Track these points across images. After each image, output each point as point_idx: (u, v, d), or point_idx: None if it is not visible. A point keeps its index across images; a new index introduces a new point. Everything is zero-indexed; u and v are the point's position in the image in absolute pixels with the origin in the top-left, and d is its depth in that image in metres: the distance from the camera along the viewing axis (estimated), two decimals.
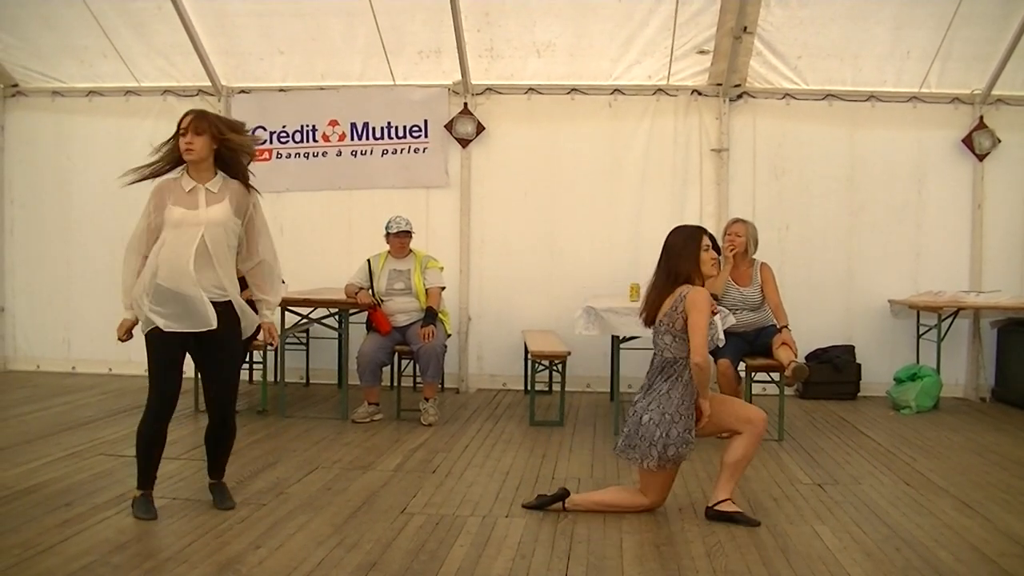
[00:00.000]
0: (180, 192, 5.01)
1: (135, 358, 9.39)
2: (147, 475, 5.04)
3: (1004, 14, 8.95)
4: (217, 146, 4.91)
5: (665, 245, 5.39)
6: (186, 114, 4.93)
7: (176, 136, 5.00)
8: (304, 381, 9.80)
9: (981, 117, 9.59)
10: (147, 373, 5.11)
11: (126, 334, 5.18)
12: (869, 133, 9.67)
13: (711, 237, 7.92)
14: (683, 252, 5.29)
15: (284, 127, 9.88)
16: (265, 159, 9.78)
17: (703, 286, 5.31)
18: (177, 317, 4.84)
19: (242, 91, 9.95)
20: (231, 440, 5.31)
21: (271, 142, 9.86)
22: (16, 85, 10.22)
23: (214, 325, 4.93)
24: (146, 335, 4.98)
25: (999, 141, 9.58)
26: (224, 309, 5.02)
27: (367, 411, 7.87)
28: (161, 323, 4.89)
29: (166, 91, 9.95)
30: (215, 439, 5.24)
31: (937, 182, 9.67)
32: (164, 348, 4.97)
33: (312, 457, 6.58)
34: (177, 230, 4.93)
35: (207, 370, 5.24)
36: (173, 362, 5.03)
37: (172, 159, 5.07)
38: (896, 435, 7.69)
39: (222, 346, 5.10)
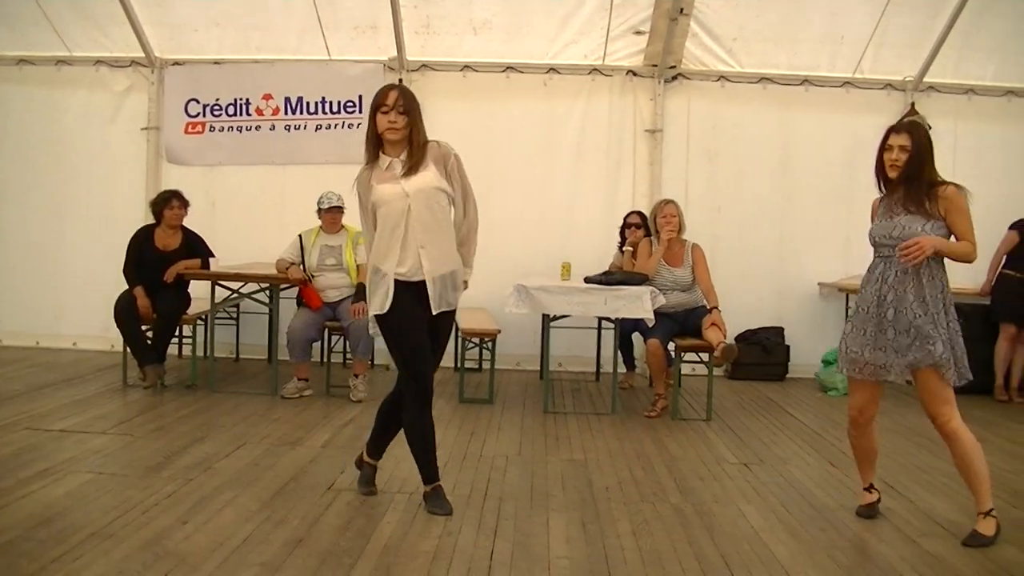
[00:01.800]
0: None
1: (65, 331, 10.43)
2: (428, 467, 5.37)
3: (937, 2, 9.98)
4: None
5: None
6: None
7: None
8: (234, 356, 10.44)
9: (913, 104, 10.65)
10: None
11: None
12: (802, 117, 10.69)
13: (642, 217, 8.97)
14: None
15: (218, 100, 10.69)
16: (198, 132, 10.70)
17: None
18: None
19: (176, 63, 10.69)
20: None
21: (204, 115, 10.70)
22: None
23: None
24: None
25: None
26: None
27: (297, 387, 8.49)
28: None
29: (98, 61, 10.66)
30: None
31: (868, 167, 10.24)
32: None
33: (241, 432, 7.03)
34: None
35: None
36: None
37: None
38: (823, 416, 8.45)
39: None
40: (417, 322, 5.18)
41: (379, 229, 5.22)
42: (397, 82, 10.02)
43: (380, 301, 5.20)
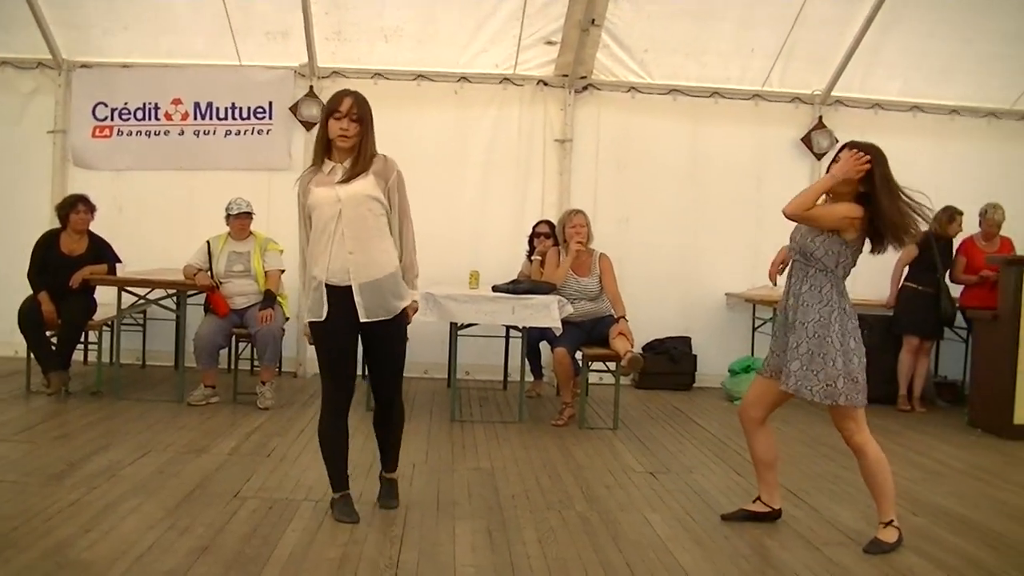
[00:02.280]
0: None
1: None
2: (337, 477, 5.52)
3: (845, 18, 10.41)
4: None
5: None
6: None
7: None
8: (140, 363, 10.51)
9: (820, 117, 11.15)
10: None
11: None
12: (712, 129, 11.13)
13: (551, 226, 9.29)
14: None
15: (126, 104, 10.84)
16: (106, 136, 10.87)
17: None
18: None
19: (83, 66, 10.88)
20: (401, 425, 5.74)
21: (112, 119, 10.85)
22: None
23: None
24: None
25: (836, 141, 11.04)
26: None
27: (203, 394, 8.62)
28: None
29: (4, 62, 10.67)
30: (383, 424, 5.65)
31: (776, 179, 11.07)
32: None
33: (146, 440, 7.09)
34: None
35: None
36: None
37: None
38: (729, 425, 8.61)
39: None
40: (340, 329, 5.28)
41: (313, 233, 5.34)
42: (308, 89, 10.35)
43: (315, 308, 5.31)
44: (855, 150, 5.28)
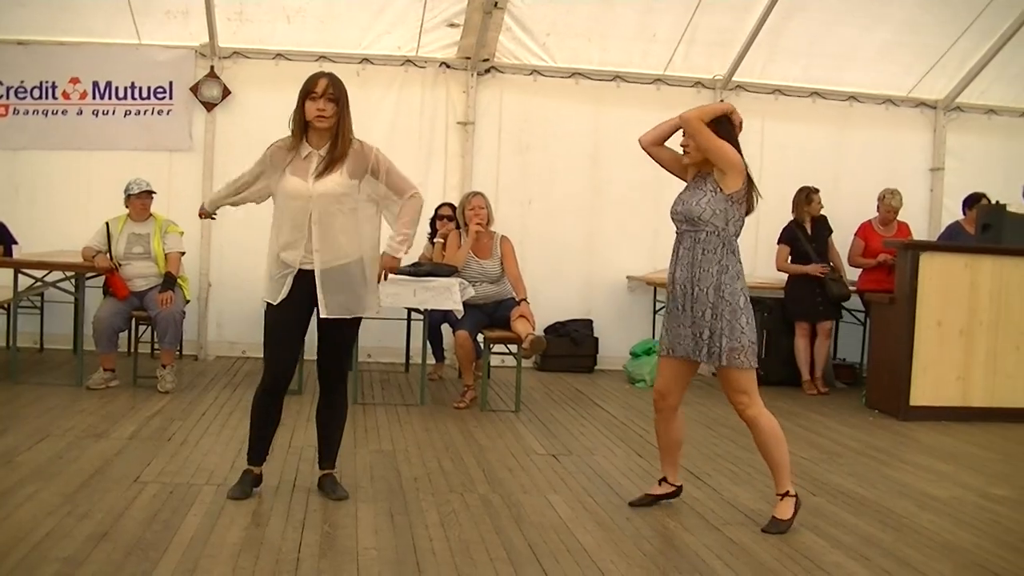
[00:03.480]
0: None
1: None
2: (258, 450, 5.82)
3: (747, 3, 11.11)
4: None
5: None
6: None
7: None
8: (38, 346, 10.78)
9: (722, 101, 11.65)
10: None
11: None
12: (614, 112, 11.74)
13: (453, 209, 9.81)
14: None
15: (22, 82, 11.13)
16: (1, 115, 11.19)
17: None
18: None
19: None
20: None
21: (8, 97, 11.15)
22: None
23: None
24: None
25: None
26: None
27: (103, 377, 8.82)
28: None
29: None
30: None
31: None
32: None
33: (44, 425, 7.19)
34: None
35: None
36: None
37: None
38: (630, 408, 9.14)
39: None
40: (292, 315, 5.55)
41: (279, 216, 5.55)
42: (208, 69, 10.81)
43: (275, 291, 5.53)
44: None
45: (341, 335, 5.73)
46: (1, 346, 9.54)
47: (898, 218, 10.98)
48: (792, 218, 10.82)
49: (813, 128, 12.00)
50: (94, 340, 8.98)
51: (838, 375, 11.53)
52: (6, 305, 9.66)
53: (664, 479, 5.95)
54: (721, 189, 5.42)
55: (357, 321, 5.76)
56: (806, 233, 10.86)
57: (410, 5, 11.00)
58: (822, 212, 11.02)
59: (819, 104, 11.98)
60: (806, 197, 10.95)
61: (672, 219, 5.65)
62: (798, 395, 10.43)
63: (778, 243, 11.00)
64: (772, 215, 11.16)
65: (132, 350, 9.90)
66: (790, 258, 10.95)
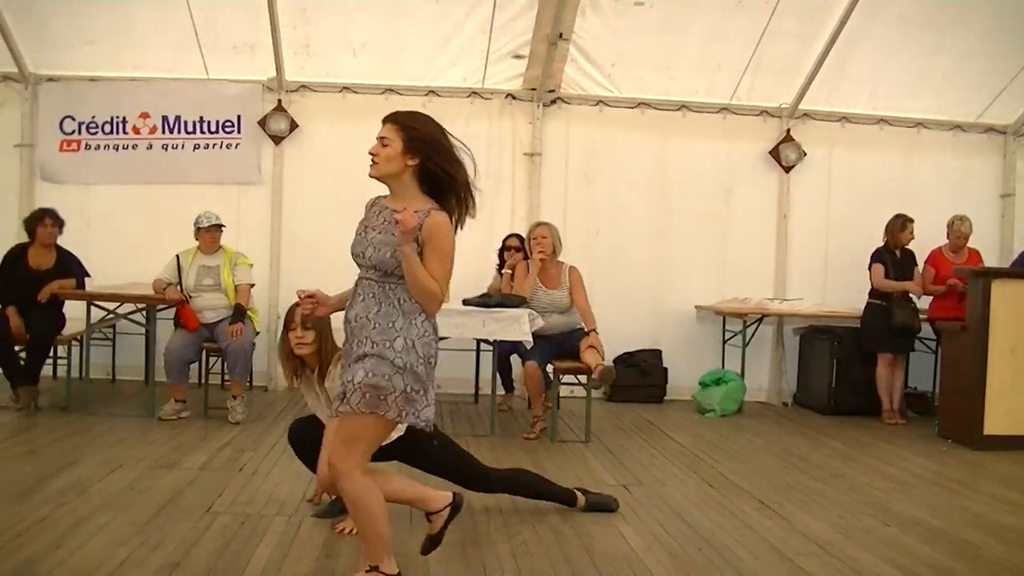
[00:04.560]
0: None
1: None
2: None
3: (811, 32, 11.07)
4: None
5: None
6: None
7: None
8: (110, 377, 10.96)
9: (788, 130, 11.86)
10: None
11: None
12: (680, 142, 11.80)
13: (521, 240, 9.85)
14: None
15: (94, 118, 11.35)
16: (74, 150, 11.41)
17: None
18: None
19: (50, 79, 11.37)
20: None
21: (80, 133, 11.37)
22: None
23: None
24: None
25: (805, 154, 11.83)
26: None
27: (174, 408, 8.98)
28: None
29: None
30: None
31: (745, 192, 11.87)
32: None
33: (116, 455, 7.31)
34: None
35: None
36: None
37: None
38: (700, 438, 9.09)
39: None
40: None
41: None
42: (276, 103, 10.93)
43: None
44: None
45: None
46: (74, 377, 9.54)
47: (968, 245, 11.08)
48: (884, 242, 10.71)
49: (880, 155, 11.95)
50: (165, 371, 9.16)
51: (910, 404, 11.41)
52: (79, 337, 9.87)
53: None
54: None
55: None
56: (894, 259, 10.79)
57: (475, 37, 11.10)
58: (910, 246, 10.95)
59: (886, 131, 11.79)
60: (901, 224, 10.85)
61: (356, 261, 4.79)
62: (871, 424, 10.31)
63: (872, 263, 10.88)
64: (841, 242, 11.24)
65: (203, 381, 10.08)
66: (870, 284, 10.90)
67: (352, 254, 4.71)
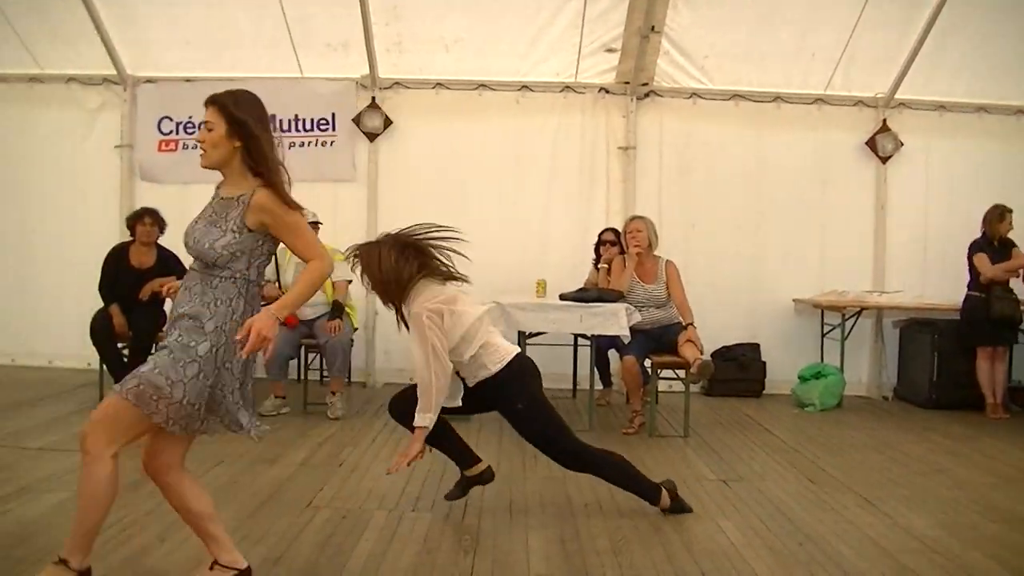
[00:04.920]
0: None
1: (40, 350, 11.29)
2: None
3: (907, 19, 10.96)
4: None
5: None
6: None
7: None
8: None
9: (884, 120, 11.69)
10: None
11: None
12: (775, 133, 11.69)
13: (616, 234, 9.82)
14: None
15: (191, 118, 11.50)
16: (172, 150, 11.63)
17: None
18: None
19: (148, 81, 11.52)
20: None
21: (177, 133, 11.60)
22: None
23: None
24: None
25: (902, 144, 11.66)
26: None
27: (273, 404, 9.13)
28: None
29: (70, 79, 11.46)
30: None
31: (841, 183, 11.72)
32: None
33: (218, 450, 7.28)
34: None
35: None
36: None
37: None
38: (800, 432, 9.02)
39: None
40: None
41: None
42: (370, 100, 11.00)
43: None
44: None
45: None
46: None
47: None
48: (982, 232, 10.52)
49: (980, 143, 11.71)
50: (265, 368, 9.16)
51: (1013, 398, 11.17)
52: None
53: (215, 563, 4.58)
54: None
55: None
56: (993, 250, 10.57)
57: (567, 31, 11.10)
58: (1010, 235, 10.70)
59: (985, 119, 11.54)
60: (999, 215, 10.60)
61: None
62: (973, 419, 10.10)
63: (973, 253, 10.66)
64: (940, 233, 11.09)
65: (302, 377, 10.13)
66: (968, 276, 10.71)
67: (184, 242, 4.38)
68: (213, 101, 4.32)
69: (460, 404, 6.09)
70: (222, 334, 4.23)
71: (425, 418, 5.62)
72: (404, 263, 5.92)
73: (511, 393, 5.89)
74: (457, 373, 6.01)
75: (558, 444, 6.08)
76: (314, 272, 4.32)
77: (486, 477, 6.18)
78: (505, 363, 5.97)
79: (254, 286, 4.40)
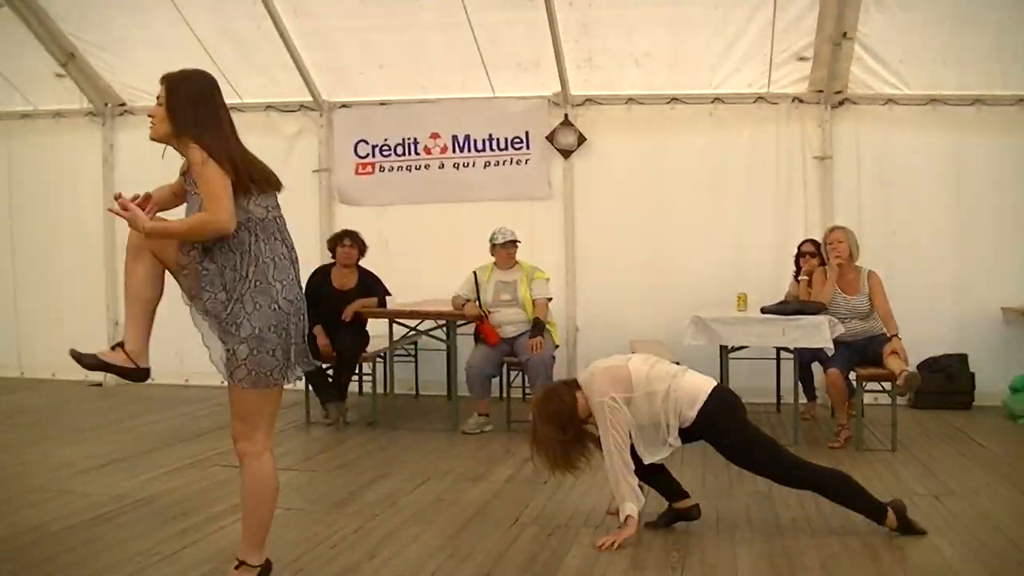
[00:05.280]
0: None
1: None
2: None
3: None
4: None
5: None
6: None
7: None
8: (414, 392, 11.29)
9: None
10: None
11: None
12: (976, 138, 11.31)
13: (816, 245, 9.69)
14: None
15: (386, 140, 11.80)
16: (368, 173, 11.88)
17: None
18: None
19: (343, 105, 11.90)
20: None
21: (374, 156, 11.87)
22: (123, 104, 12.46)
23: None
24: None
25: None
26: None
27: (477, 422, 9.25)
28: None
29: (268, 107, 11.83)
30: None
31: None
32: None
33: (423, 468, 7.61)
34: None
35: None
36: None
37: None
38: (1013, 445, 8.73)
39: None
40: None
41: None
42: (563, 117, 11.05)
43: None
44: None
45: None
46: (379, 393, 9.95)
47: None
48: None
49: None
50: (467, 386, 9.50)
51: None
52: (383, 354, 10.34)
53: (120, 344, 4.63)
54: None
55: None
56: None
57: (758, 41, 10.98)
58: None
59: None
60: None
61: None
62: None
63: None
64: None
65: (505, 395, 10.27)
66: None
67: None
68: (164, 79, 4.52)
69: (666, 455, 6.17)
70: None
71: (628, 507, 5.78)
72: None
73: (716, 430, 5.99)
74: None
75: (773, 468, 6.14)
76: (197, 219, 4.43)
77: (693, 514, 6.20)
78: (701, 404, 6.03)
79: (256, 230, 4.57)
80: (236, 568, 4.61)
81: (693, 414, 5.84)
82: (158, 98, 4.52)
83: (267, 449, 4.60)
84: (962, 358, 11.21)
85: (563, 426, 5.86)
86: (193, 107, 4.46)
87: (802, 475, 6.00)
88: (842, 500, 6.05)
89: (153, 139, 4.59)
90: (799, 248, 10.44)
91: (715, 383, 6.14)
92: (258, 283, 4.47)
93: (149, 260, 4.57)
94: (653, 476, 6.13)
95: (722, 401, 5.99)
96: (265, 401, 4.56)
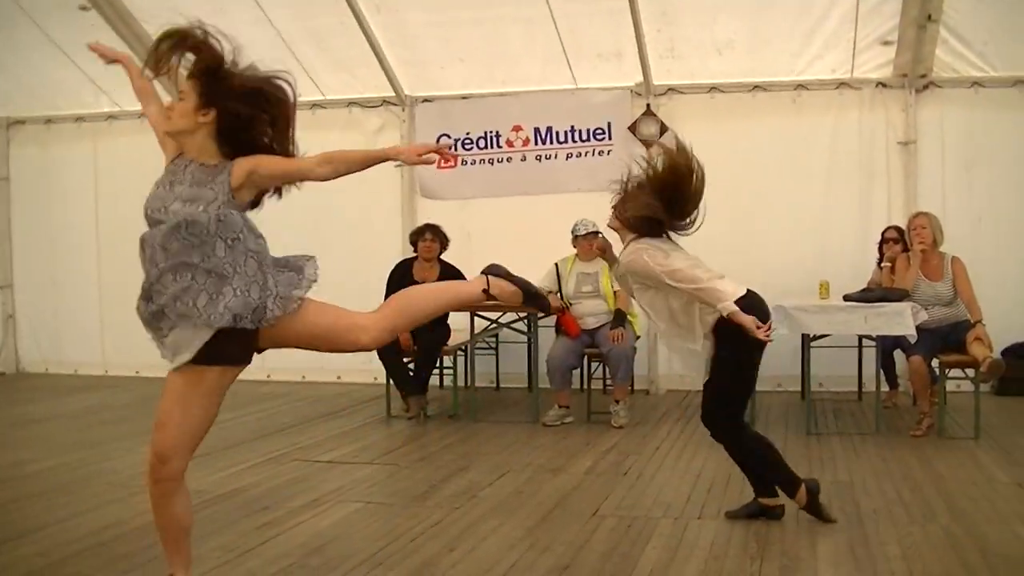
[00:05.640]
0: None
1: (329, 366, 11.66)
2: None
3: None
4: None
5: None
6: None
7: None
8: (494, 385, 11.39)
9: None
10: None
11: None
12: None
13: (900, 232, 9.63)
14: None
15: (468, 134, 11.89)
16: (451, 167, 12.00)
17: None
18: None
19: (425, 100, 12.03)
20: None
21: (455, 149, 11.96)
22: None
23: None
24: None
25: None
26: None
27: (558, 414, 9.27)
28: None
29: (351, 103, 12.10)
30: None
31: None
32: None
33: (503, 460, 7.65)
34: None
35: None
36: None
37: None
38: None
39: None
40: None
41: None
42: (645, 107, 11.07)
43: None
44: None
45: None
46: (460, 386, 10.06)
47: None
48: None
49: None
50: (548, 378, 9.46)
51: None
52: (464, 347, 10.49)
53: None
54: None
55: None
56: None
57: (841, 26, 10.90)
58: None
59: None
60: None
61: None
62: None
63: None
64: None
65: (585, 386, 10.35)
66: None
67: None
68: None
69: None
70: None
71: (728, 306, 5.71)
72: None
73: (726, 341, 5.88)
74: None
75: (726, 407, 6.03)
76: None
77: (777, 513, 6.06)
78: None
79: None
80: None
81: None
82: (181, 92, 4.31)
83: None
84: None
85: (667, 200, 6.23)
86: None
87: (733, 432, 6.04)
88: (753, 467, 6.08)
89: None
90: (882, 234, 10.36)
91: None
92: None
93: (184, 490, 4.30)
94: (751, 463, 6.08)
95: (752, 309, 5.84)
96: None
